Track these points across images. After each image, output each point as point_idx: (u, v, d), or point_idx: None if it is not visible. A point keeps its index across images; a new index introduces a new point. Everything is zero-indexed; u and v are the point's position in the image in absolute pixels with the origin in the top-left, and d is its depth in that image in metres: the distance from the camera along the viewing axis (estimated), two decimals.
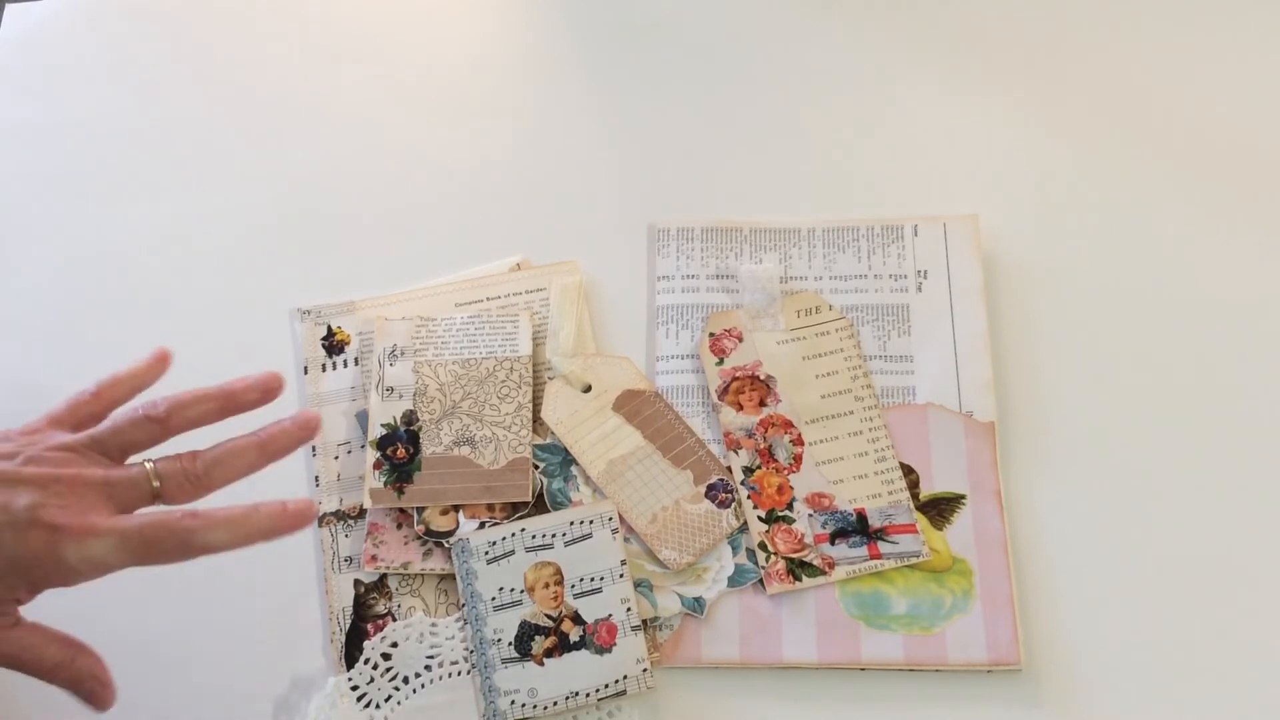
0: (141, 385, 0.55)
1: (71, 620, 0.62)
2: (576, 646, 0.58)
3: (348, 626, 0.60)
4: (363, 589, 0.61)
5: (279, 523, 0.50)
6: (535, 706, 0.57)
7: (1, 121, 0.78)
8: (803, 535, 0.61)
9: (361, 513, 0.63)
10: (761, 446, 0.63)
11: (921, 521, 0.61)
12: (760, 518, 0.61)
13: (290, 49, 0.79)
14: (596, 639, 0.58)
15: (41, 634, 0.50)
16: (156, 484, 0.51)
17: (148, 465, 0.51)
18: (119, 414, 0.53)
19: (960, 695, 0.57)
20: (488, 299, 0.68)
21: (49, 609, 0.62)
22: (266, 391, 0.55)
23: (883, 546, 0.60)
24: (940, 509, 0.61)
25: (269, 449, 0.53)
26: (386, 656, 0.59)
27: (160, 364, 0.56)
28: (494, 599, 0.59)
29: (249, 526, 0.50)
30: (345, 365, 0.67)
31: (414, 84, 0.77)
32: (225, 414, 0.54)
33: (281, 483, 0.64)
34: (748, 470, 0.62)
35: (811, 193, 0.71)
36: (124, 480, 0.50)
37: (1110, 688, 0.57)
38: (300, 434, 0.54)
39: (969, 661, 0.57)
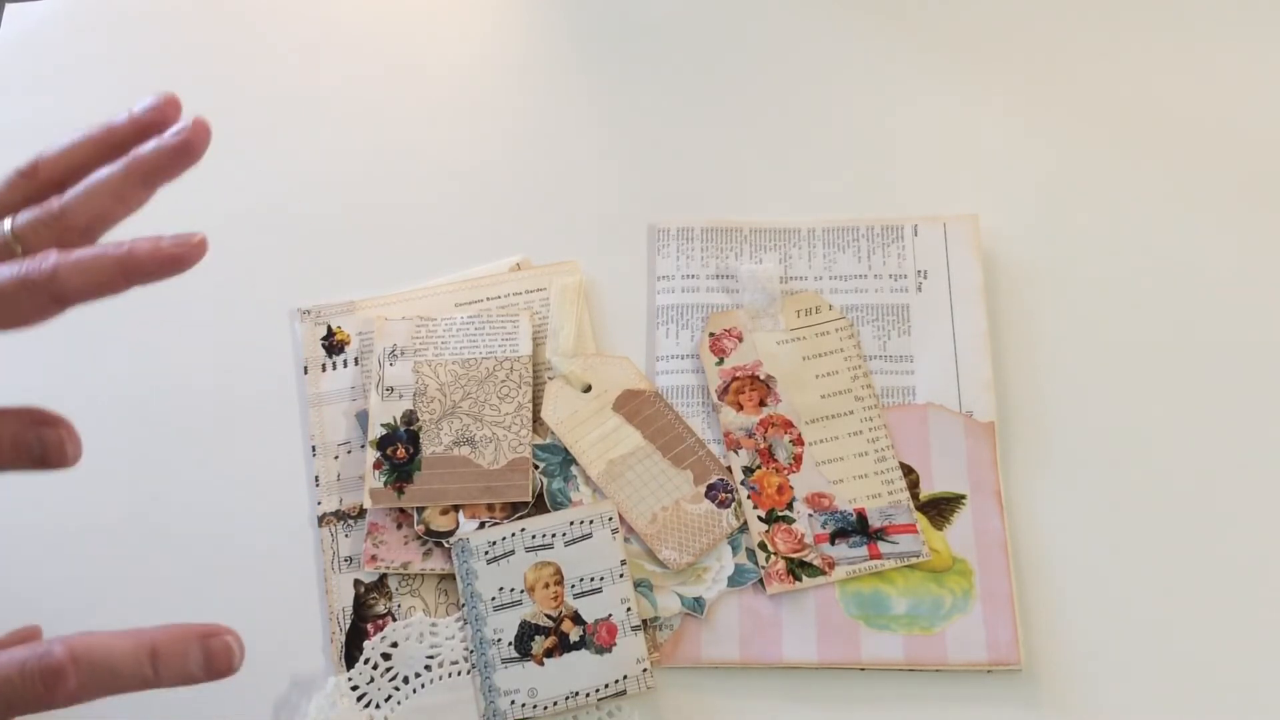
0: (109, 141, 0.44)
1: (71, 620, 0.62)
2: (576, 646, 0.58)
3: (348, 626, 0.60)
4: (363, 589, 0.61)
5: (152, 260, 0.42)
6: (535, 706, 0.57)
7: (1, 121, 0.78)
8: (803, 535, 0.61)
9: (361, 513, 0.63)
10: (761, 446, 0.63)
11: (921, 521, 0.61)
12: (760, 518, 0.61)
13: (290, 49, 0.79)
14: (596, 639, 0.58)
15: None
16: (18, 248, 0.42)
17: (5, 223, 0.42)
18: None
19: (960, 695, 0.57)
20: (488, 299, 0.68)
21: (46, 618, 0.62)
22: (158, 111, 0.45)
23: (883, 546, 0.60)
24: (940, 509, 0.61)
25: (140, 170, 0.44)
26: (386, 656, 0.59)
27: (170, 108, 0.46)
28: (494, 599, 0.59)
29: (115, 265, 0.41)
30: (345, 365, 0.67)
31: (414, 83, 0.77)
32: (106, 154, 0.45)
33: (281, 482, 0.65)
34: (748, 470, 0.62)
35: (811, 193, 0.71)
36: None
37: (1110, 688, 0.57)
38: (187, 143, 0.44)
39: (969, 661, 0.57)
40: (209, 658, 0.41)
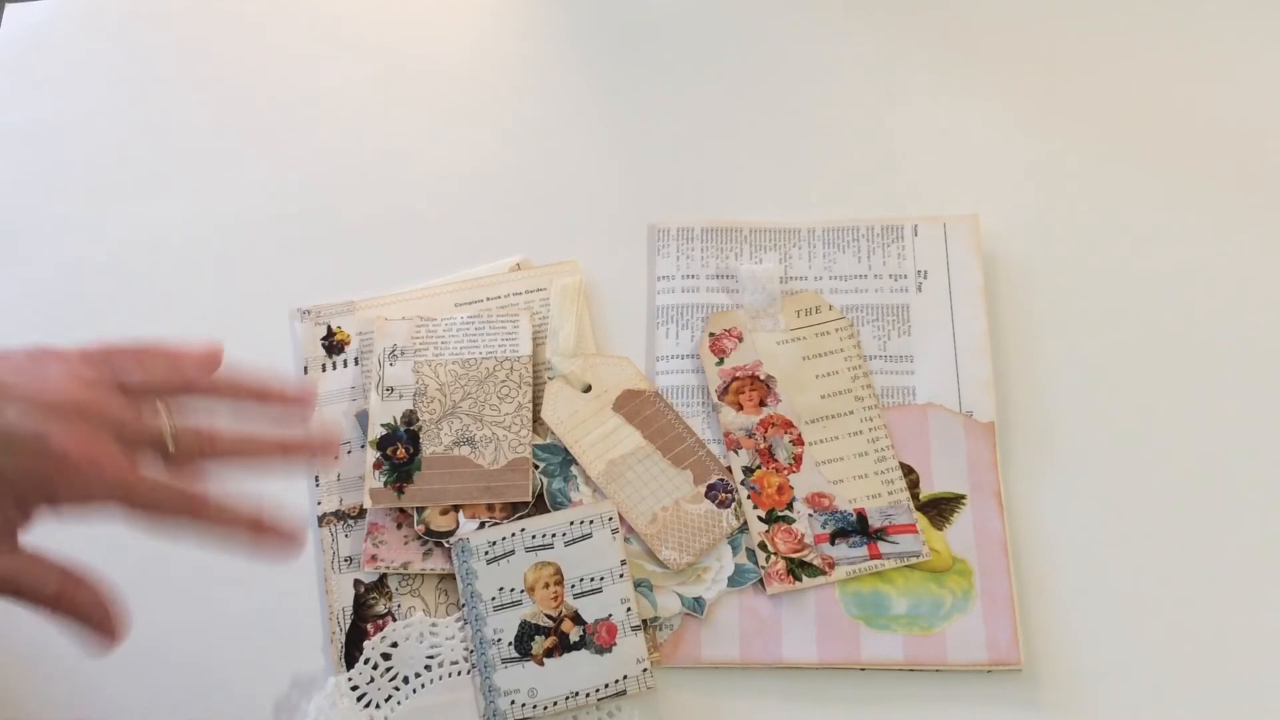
0: (179, 372, 0.53)
1: None
2: (576, 646, 0.58)
3: (348, 626, 0.60)
4: (363, 589, 0.61)
5: (272, 541, 0.50)
6: (535, 706, 0.57)
7: (1, 121, 0.78)
8: (803, 535, 0.61)
9: (361, 513, 0.63)
10: (761, 446, 0.63)
11: (921, 521, 0.61)
12: (760, 518, 0.61)
13: (290, 49, 0.79)
14: (596, 639, 0.58)
15: (42, 563, 0.48)
16: (172, 449, 0.49)
17: (167, 424, 0.49)
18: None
19: (960, 695, 0.57)
20: (488, 299, 0.68)
21: None
22: (304, 402, 0.54)
23: (883, 546, 0.60)
24: (940, 509, 0.61)
25: (288, 454, 0.52)
26: (386, 656, 0.59)
27: (211, 360, 0.54)
28: (494, 599, 0.59)
29: (245, 533, 0.49)
30: (345, 365, 0.67)
31: (414, 84, 0.77)
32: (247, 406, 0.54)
33: (282, 484, 0.65)
34: (748, 470, 0.62)
35: (811, 193, 0.71)
36: (140, 432, 0.48)
37: (1110, 688, 0.57)
38: (324, 451, 0.53)
39: (969, 661, 0.57)
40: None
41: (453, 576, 0.61)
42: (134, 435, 0.49)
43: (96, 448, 0.47)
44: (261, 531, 0.49)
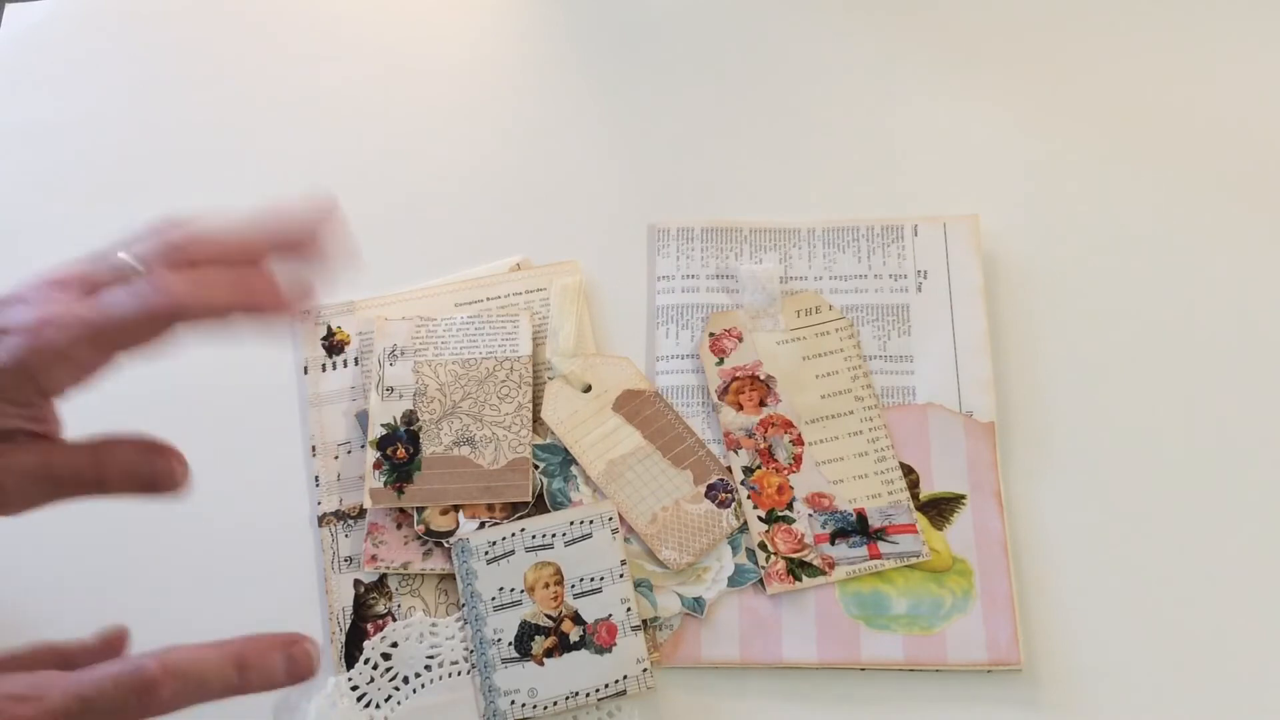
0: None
1: (75, 623, 0.62)
2: (576, 646, 0.58)
3: (348, 626, 0.60)
4: (363, 589, 0.61)
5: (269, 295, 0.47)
6: (535, 706, 0.57)
7: (1, 121, 0.78)
8: (803, 535, 0.61)
9: (361, 513, 0.63)
10: (761, 446, 0.63)
11: (921, 521, 0.61)
12: (760, 518, 0.61)
13: (290, 48, 0.79)
14: (596, 639, 0.58)
15: (63, 448, 0.46)
16: (140, 268, 0.47)
17: (127, 258, 0.48)
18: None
19: (960, 695, 0.57)
20: (488, 299, 0.68)
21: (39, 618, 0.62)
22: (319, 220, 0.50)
23: (883, 546, 0.60)
24: (940, 509, 0.61)
25: (262, 311, 0.48)
26: (386, 656, 0.59)
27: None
28: (494, 599, 0.59)
29: (239, 301, 0.46)
30: (345, 365, 0.67)
31: (414, 83, 0.77)
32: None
33: (281, 482, 0.65)
34: (748, 470, 0.62)
35: (811, 193, 0.71)
36: (101, 277, 0.47)
37: (1110, 688, 0.57)
38: (297, 301, 0.49)
39: (969, 661, 0.57)
40: (292, 664, 0.44)
41: (453, 576, 0.61)
42: (96, 284, 0.46)
43: (49, 311, 0.44)
44: (256, 293, 0.47)
